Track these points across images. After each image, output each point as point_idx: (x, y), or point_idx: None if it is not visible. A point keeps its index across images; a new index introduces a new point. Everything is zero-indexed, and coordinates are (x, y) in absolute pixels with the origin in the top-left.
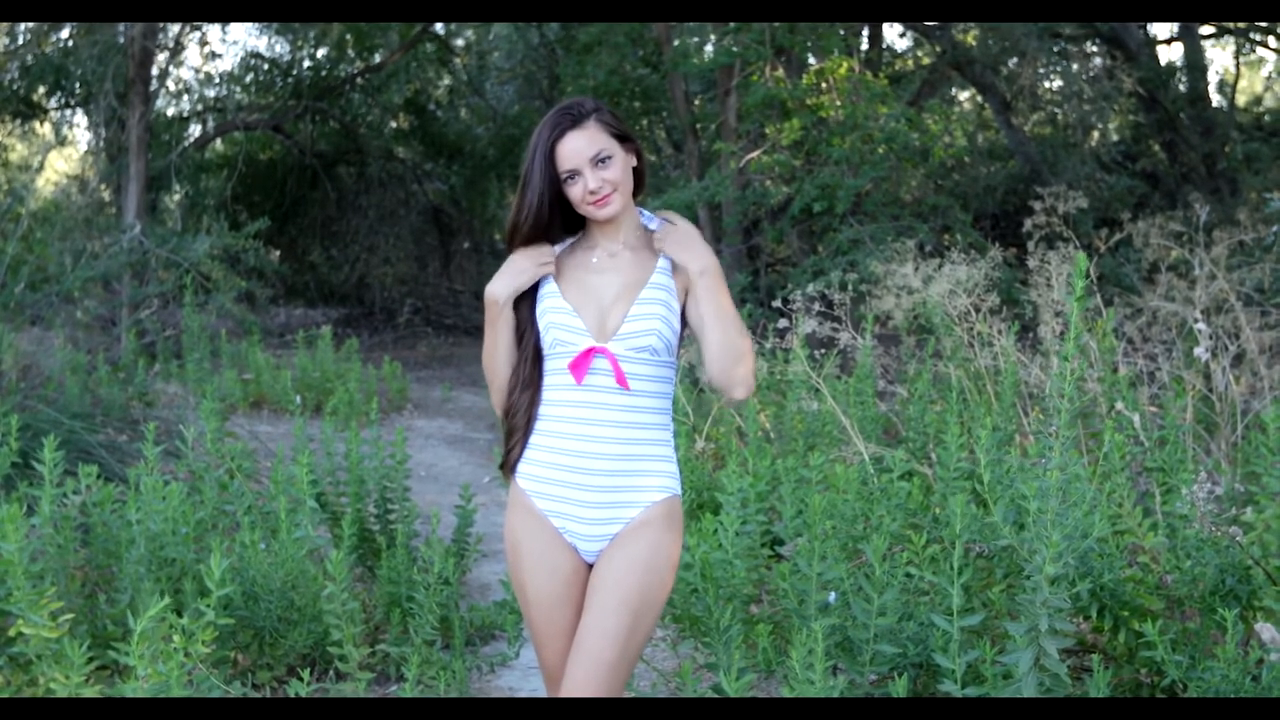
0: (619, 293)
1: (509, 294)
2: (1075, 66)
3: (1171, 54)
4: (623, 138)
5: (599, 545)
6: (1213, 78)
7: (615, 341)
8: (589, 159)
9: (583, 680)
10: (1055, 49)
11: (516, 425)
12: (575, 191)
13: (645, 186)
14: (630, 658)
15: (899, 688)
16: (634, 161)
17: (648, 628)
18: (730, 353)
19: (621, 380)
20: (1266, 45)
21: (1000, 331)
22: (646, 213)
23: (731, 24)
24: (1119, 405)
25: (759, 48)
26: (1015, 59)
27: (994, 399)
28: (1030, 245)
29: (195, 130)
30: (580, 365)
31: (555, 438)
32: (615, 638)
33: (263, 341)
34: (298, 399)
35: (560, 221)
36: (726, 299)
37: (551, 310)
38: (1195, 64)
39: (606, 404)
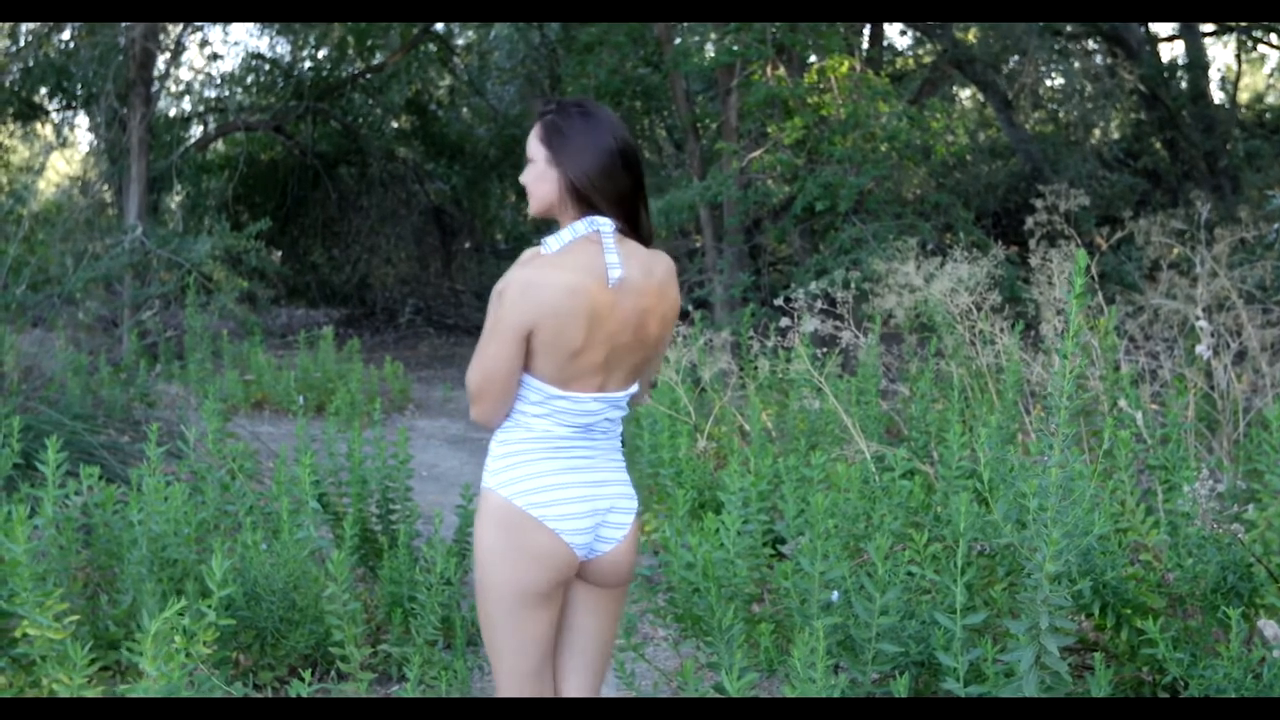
0: None
1: None
2: (1076, 64)
3: (1173, 51)
4: (551, 148)
5: None
6: (1214, 75)
7: None
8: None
9: None
10: (1056, 47)
11: None
12: None
13: (563, 211)
14: (491, 643)
15: (901, 686)
16: (560, 180)
17: (485, 614)
18: None
19: None
20: (1268, 42)
21: (1002, 329)
22: (552, 241)
23: (732, 24)
24: (1121, 403)
25: (760, 47)
26: (1016, 57)
27: (996, 397)
28: (1032, 243)
29: (196, 131)
30: None
31: None
32: None
33: (264, 342)
34: (301, 399)
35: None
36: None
37: None
38: (1196, 61)
39: None
